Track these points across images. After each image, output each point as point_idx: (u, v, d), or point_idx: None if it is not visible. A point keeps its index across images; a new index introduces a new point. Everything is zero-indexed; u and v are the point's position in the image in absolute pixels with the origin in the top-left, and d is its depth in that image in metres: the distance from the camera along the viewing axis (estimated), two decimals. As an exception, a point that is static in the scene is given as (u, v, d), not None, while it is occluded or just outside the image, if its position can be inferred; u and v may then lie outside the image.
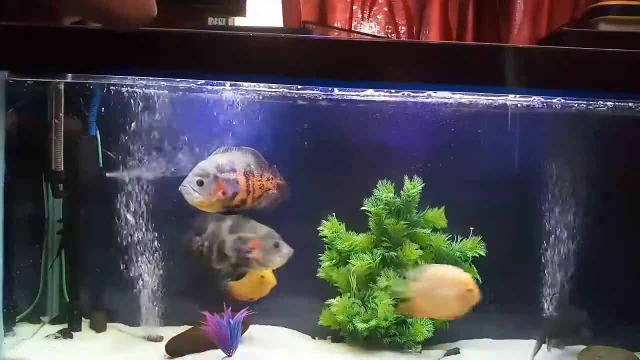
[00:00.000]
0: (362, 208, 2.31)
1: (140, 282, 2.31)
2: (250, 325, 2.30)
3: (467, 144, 2.35)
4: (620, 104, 2.06)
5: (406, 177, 2.28)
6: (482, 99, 2.21)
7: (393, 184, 2.30)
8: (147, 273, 2.31)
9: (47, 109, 2.19)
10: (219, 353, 2.12)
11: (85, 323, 2.39)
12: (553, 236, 2.33)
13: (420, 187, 2.28)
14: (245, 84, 2.11)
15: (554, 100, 2.11)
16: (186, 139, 2.31)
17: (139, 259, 2.30)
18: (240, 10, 2.11)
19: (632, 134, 2.25)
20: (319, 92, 2.19)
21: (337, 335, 2.35)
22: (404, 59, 1.56)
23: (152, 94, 2.22)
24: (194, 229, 1.96)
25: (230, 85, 2.15)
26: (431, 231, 2.30)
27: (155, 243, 2.31)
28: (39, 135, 2.20)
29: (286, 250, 1.87)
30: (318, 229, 2.33)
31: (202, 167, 1.90)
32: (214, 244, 1.89)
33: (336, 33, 2.59)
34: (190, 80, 2.05)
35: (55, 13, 1.61)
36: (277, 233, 1.99)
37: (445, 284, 1.94)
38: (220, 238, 1.88)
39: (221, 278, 2.06)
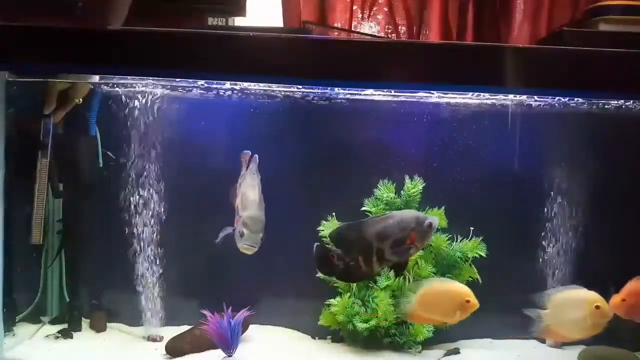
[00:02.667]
0: (363, 208, 2.31)
1: (141, 282, 2.32)
2: (250, 325, 2.30)
3: (467, 143, 2.35)
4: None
5: (407, 177, 2.29)
6: (482, 99, 2.22)
7: (394, 184, 2.30)
8: (147, 273, 2.31)
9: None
10: (219, 353, 2.12)
11: (85, 323, 2.39)
12: (555, 235, 2.33)
13: (420, 187, 2.28)
14: (245, 83, 2.11)
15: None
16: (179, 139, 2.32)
17: (140, 259, 2.31)
18: (240, 10, 2.10)
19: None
20: (319, 91, 2.20)
21: (337, 335, 2.35)
22: (404, 59, 1.56)
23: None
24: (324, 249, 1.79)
25: (230, 85, 2.15)
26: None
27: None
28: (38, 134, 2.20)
29: (434, 221, 1.73)
30: (318, 229, 2.33)
31: (261, 219, 1.92)
32: (370, 256, 1.72)
33: (336, 33, 2.58)
34: (190, 80, 2.05)
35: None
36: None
37: (571, 307, 1.92)
38: (374, 248, 1.72)
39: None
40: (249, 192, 1.95)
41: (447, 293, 1.91)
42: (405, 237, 1.71)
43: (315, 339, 2.40)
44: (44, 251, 2.38)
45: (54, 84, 1.95)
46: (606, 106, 2.15)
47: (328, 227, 2.32)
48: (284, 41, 1.57)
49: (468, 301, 1.88)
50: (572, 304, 1.93)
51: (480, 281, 2.25)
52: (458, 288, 1.92)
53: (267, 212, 2.28)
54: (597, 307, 1.89)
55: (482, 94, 2.14)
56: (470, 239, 2.28)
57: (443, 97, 2.22)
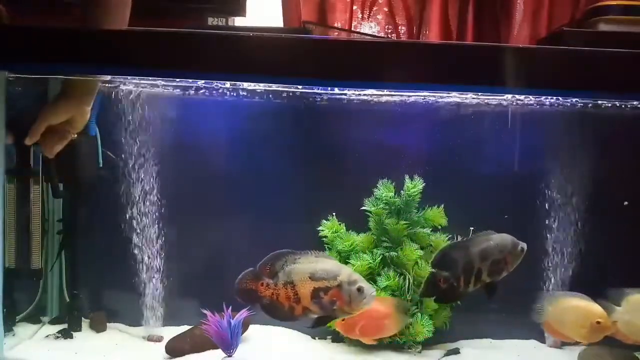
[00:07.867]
0: (362, 208, 2.31)
1: (141, 282, 2.32)
2: (250, 325, 2.30)
3: (467, 143, 2.35)
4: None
5: (407, 177, 2.29)
6: (482, 99, 2.22)
7: (393, 184, 2.31)
8: (147, 273, 2.32)
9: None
10: (219, 353, 2.12)
11: (85, 323, 2.39)
12: (556, 235, 2.33)
13: (420, 187, 2.28)
14: (245, 84, 2.11)
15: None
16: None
17: (140, 259, 2.31)
18: (240, 10, 2.11)
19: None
20: (319, 91, 2.20)
21: (337, 335, 2.35)
22: (404, 59, 1.56)
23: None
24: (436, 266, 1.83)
25: (231, 85, 2.15)
26: (431, 230, 2.30)
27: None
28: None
29: (524, 247, 1.81)
30: (318, 229, 2.33)
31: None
32: (470, 276, 1.79)
33: (336, 33, 2.59)
34: (190, 80, 2.05)
35: None
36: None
37: None
38: (475, 268, 1.78)
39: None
40: (323, 265, 1.76)
41: (577, 310, 1.89)
42: (501, 259, 1.79)
43: (315, 339, 2.40)
44: (43, 251, 2.38)
45: (45, 115, 1.74)
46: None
47: (328, 227, 2.32)
48: (284, 41, 1.57)
49: (599, 322, 1.84)
50: None
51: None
52: (590, 307, 1.88)
53: (266, 212, 2.29)
54: None
55: (481, 93, 2.14)
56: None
57: (443, 96, 2.22)
